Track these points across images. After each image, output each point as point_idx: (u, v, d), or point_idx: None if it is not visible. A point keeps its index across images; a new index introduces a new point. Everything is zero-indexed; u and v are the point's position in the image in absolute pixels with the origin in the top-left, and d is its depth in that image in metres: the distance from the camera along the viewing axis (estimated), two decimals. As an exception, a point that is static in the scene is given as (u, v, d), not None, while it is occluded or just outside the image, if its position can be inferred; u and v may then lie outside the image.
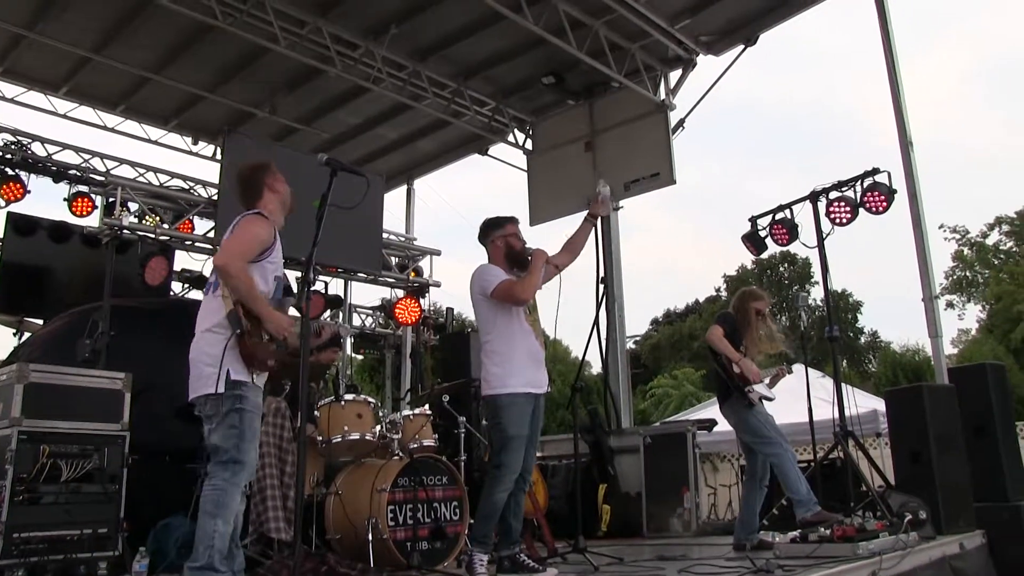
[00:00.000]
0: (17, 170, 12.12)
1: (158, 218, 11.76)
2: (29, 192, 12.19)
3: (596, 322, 7.69)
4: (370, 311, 16.67)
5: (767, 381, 8.28)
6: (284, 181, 5.89)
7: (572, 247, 7.17)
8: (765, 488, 8.34)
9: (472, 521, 7.59)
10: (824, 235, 9.93)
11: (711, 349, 8.40)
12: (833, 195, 10.09)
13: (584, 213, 7.21)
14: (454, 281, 14.47)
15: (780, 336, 8.85)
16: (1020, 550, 8.59)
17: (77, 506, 6.61)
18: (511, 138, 15.94)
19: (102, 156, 13.96)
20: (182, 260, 12.46)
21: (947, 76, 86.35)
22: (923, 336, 10.96)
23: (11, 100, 14.17)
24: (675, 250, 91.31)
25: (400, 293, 15.06)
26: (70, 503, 6.57)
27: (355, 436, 7.86)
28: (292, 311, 5.99)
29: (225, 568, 5.10)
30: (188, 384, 5.42)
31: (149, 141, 15.94)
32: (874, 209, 10.03)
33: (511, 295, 6.67)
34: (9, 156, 12.25)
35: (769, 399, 8.15)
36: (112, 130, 15.45)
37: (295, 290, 13.74)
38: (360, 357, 22.14)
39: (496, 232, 7.07)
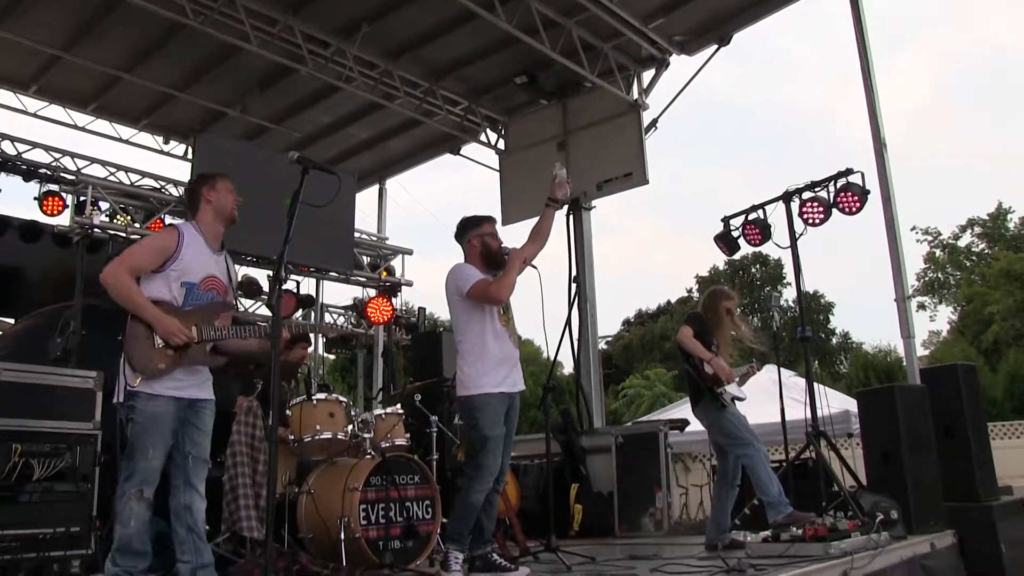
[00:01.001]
0: (-14, 169, 12.04)
1: (129, 217, 11.72)
2: (-1, 191, 12.12)
3: (568, 322, 7.70)
4: (342, 311, 16.65)
5: (737, 380, 8.29)
6: (227, 189, 5.98)
7: (537, 235, 7.11)
8: (737, 488, 8.36)
9: (445, 520, 7.59)
10: (797, 235, 9.96)
11: (682, 350, 8.41)
12: (806, 195, 10.11)
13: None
14: (426, 280, 14.45)
15: (749, 334, 8.88)
16: (990, 549, 8.63)
17: (50, 505, 6.57)
18: (483, 138, 15.95)
19: (73, 155, 13.90)
20: (154, 260, 12.38)
21: (920, 79, 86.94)
22: (894, 338, 11.05)
23: (-21, 99, 14.07)
24: (647, 250, 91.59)
25: (372, 292, 15.07)
26: (43, 502, 6.54)
27: (327, 435, 7.83)
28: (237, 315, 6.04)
29: (121, 563, 5.30)
30: None
31: (120, 140, 15.89)
32: (847, 210, 10.06)
33: (487, 295, 6.65)
34: (-22, 155, 12.18)
35: (741, 399, 8.16)
36: (83, 129, 15.38)
37: (265, 289, 13.77)
38: (332, 356, 22.14)
39: (473, 231, 7.04)
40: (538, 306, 7.16)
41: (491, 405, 6.56)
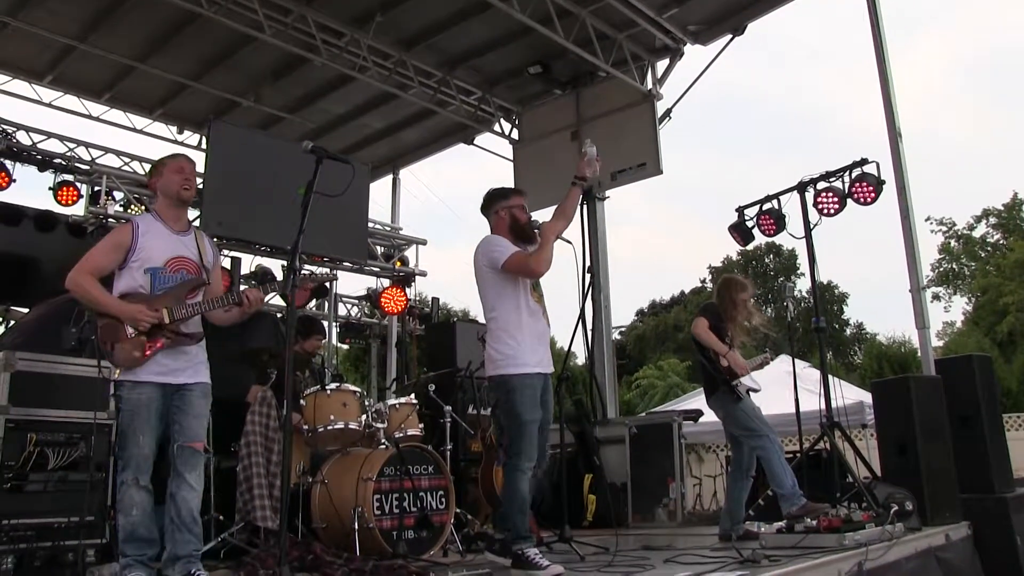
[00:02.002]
0: (2, 159, 12.06)
1: (143, 207, 11.72)
2: (14, 181, 12.13)
3: (582, 312, 7.64)
4: (356, 301, 16.68)
5: (752, 371, 8.28)
6: (172, 171, 6.06)
7: (563, 212, 6.79)
8: (751, 479, 8.34)
9: (459, 511, 7.58)
10: (812, 226, 9.92)
11: (696, 342, 8.37)
12: (821, 185, 10.07)
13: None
14: (440, 271, 14.46)
15: (763, 321, 8.85)
16: (1005, 541, 8.61)
17: (64, 494, 6.57)
18: (497, 128, 15.95)
19: (87, 145, 13.93)
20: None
21: (936, 68, 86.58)
22: (908, 328, 11.01)
23: (-5, 89, 14.11)
24: (661, 241, 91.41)
25: (386, 282, 15.08)
26: (58, 491, 6.55)
27: (341, 425, 7.85)
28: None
29: (130, 552, 5.36)
30: None
31: (134, 130, 15.93)
32: (862, 200, 10.03)
33: (526, 267, 6.42)
34: (-6, 145, 12.21)
35: (755, 390, 8.15)
36: (97, 119, 15.43)
37: (279, 278, 13.80)
38: (346, 347, 22.09)
39: (501, 203, 6.82)
40: (552, 296, 7.06)
41: (529, 387, 6.29)
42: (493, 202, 6.87)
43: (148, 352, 5.52)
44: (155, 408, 5.49)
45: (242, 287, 6.45)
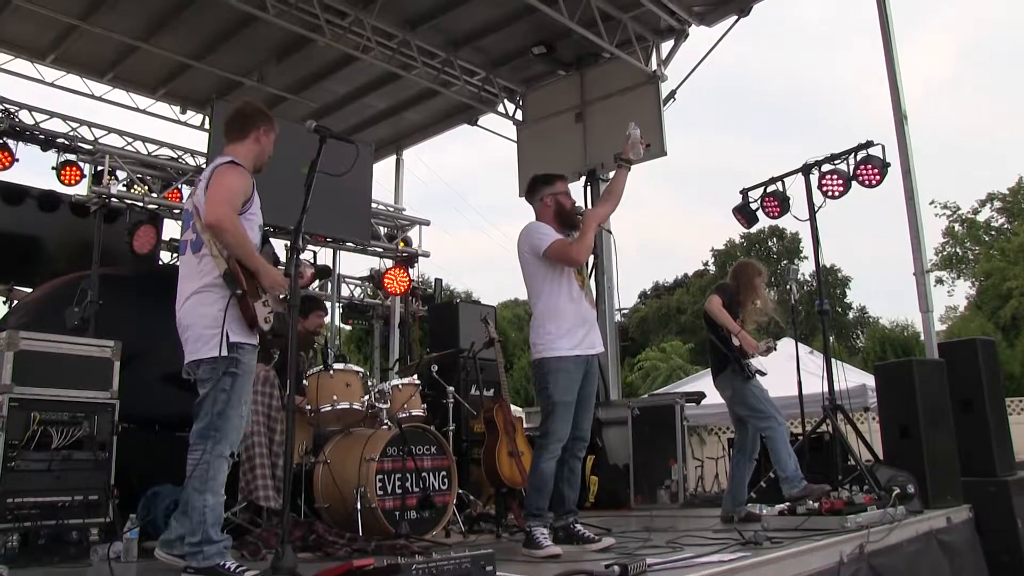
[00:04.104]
0: (5, 138, 12.02)
1: (146, 187, 11.71)
2: (17, 161, 12.10)
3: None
4: (359, 281, 16.67)
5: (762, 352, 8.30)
6: (272, 141, 5.77)
7: (611, 196, 6.95)
8: (754, 461, 8.37)
9: (461, 491, 7.58)
10: (816, 208, 9.89)
11: (708, 320, 8.38)
12: (826, 168, 10.05)
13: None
14: (443, 251, 14.46)
15: (774, 306, 8.87)
16: (1006, 524, 8.64)
17: (68, 473, 6.59)
18: (501, 108, 15.94)
19: (90, 125, 13.90)
20: (171, 229, 12.41)
21: (943, 51, 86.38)
22: (911, 312, 10.99)
23: (-2, 68, 14.09)
24: (664, 223, 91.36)
25: (389, 263, 15.05)
26: (61, 470, 6.56)
27: (344, 405, 7.87)
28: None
29: (221, 536, 5.07)
30: (182, 349, 5.35)
31: (137, 110, 15.94)
32: (867, 182, 10.01)
33: (566, 256, 6.47)
34: (-3, 125, 12.18)
35: (763, 373, 8.17)
36: (100, 99, 15.43)
37: (283, 259, 13.79)
38: (348, 327, 22.09)
39: (546, 189, 6.86)
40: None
41: (565, 371, 6.38)
42: (537, 188, 6.93)
43: (270, 316, 5.33)
44: None
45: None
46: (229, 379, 5.14)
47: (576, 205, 6.86)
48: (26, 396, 6.50)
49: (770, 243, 60.29)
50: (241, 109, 5.80)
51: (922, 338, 11.27)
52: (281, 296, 5.47)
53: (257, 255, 5.29)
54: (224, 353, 5.07)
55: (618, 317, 15.70)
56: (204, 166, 12.37)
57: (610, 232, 6.72)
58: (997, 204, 50.22)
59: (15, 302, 11.74)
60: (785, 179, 10.65)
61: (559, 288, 6.53)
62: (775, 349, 8.80)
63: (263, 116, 5.76)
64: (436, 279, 17.13)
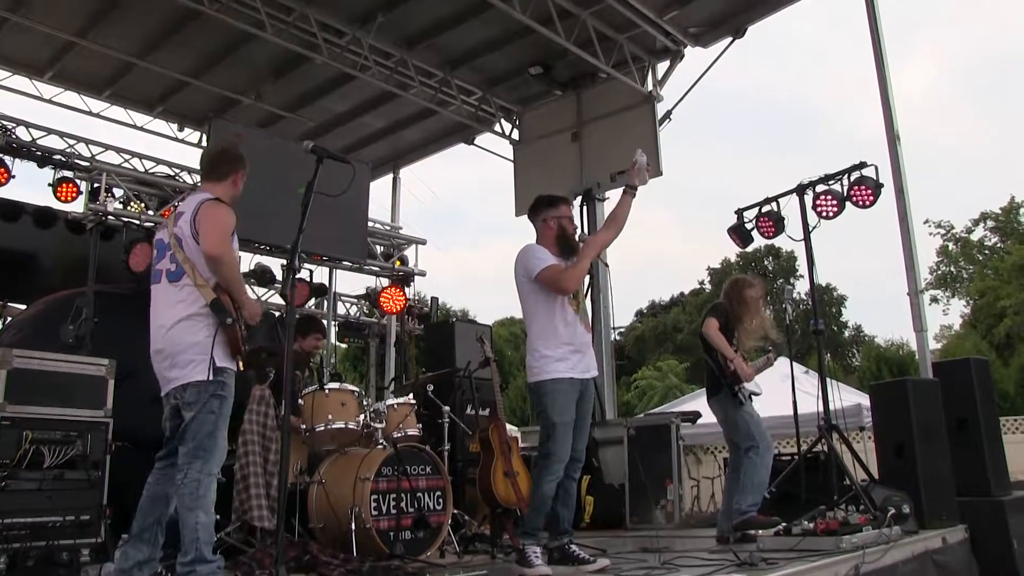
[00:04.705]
0: (1, 155, 12.03)
1: (143, 204, 11.72)
2: (13, 177, 12.11)
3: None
4: (355, 300, 16.67)
5: (753, 371, 8.30)
6: (243, 180, 5.93)
7: (614, 222, 6.94)
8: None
9: (456, 511, 7.56)
10: (810, 228, 9.91)
11: (704, 342, 8.39)
12: (820, 188, 10.06)
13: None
14: (439, 270, 14.47)
15: (771, 324, 8.85)
16: (1002, 545, 8.61)
17: (60, 492, 6.59)
18: (498, 128, 15.98)
19: (87, 141, 13.89)
20: (166, 247, 12.40)
21: (936, 71, 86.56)
22: (907, 331, 11.02)
23: (-5, 84, 14.11)
24: (660, 242, 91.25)
25: (385, 282, 15.07)
26: (53, 489, 6.56)
27: (339, 425, 7.86)
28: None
29: (214, 557, 5.14)
30: (160, 374, 5.46)
31: (134, 127, 15.94)
32: (861, 203, 10.02)
33: (557, 283, 6.46)
34: (-7, 141, 12.19)
35: (757, 394, 8.17)
36: (97, 115, 15.44)
37: (279, 277, 13.80)
38: (344, 346, 22.10)
39: (549, 211, 6.83)
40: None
41: (561, 391, 6.38)
42: (541, 209, 6.90)
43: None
44: None
45: None
46: (217, 402, 5.29)
47: (577, 231, 6.86)
48: (19, 415, 6.51)
49: (766, 262, 60.36)
50: (226, 151, 6.02)
51: (917, 357, 11.27)
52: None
53: (244, 287, 5.56)
54: (211, 377, 5.22)
55: (614, 336, 15.69)
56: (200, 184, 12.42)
57: (607, 265, 6.70)
58: (990, 223, 50.37)
59: (9, 319, 11.75)
60: (780, 199, 10.66)
61: (553, 311, 6.52)
62: (772, 363, 8.81)
63: (243, 162, 5.94)
64: (432, 298, 17.13)
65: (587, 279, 7.36)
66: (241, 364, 5.47)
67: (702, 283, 61.52)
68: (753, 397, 8.15)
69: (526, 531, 6.37)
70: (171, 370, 5.35)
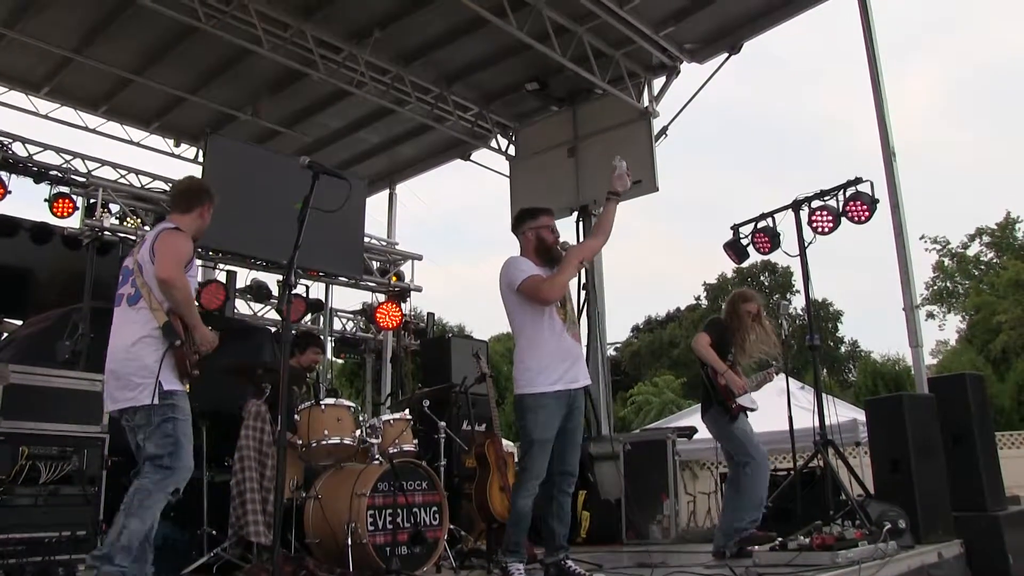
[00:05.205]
0: (-2, 170, 12.05)
1: (139, 220, 11.73)
2: (10, 192, 12.10)
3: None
4: (351, 315, 16.68)
5: (753, 388, 8.28)
6: (211, 215, 6.14)
7: (600, 230, 6.97)
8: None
9: (452, 527, 7.56)
10: (806, 244, 9.92)
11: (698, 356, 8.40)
12: (815, 204, 10.08)
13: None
14: (435, 286, 14.48)
15: (774, 338, 8.82)
16: (998, 559, 8.61)
17: (56, 508, 6.57)
18: (494, 143, 16.02)
19: (84, 157, 13.94)
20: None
21: (930, 87, 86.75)
22: (903, 346, 11.01)
23: (-9, 100, 14.13)
24: (656, 257, 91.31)
25: (381, 297, 15.08)
26: (49, 505, 6.54)
27: (335, 440, 7.83)
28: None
29: (124, 564, 5.14)
30: (109, 393, 5.61)
31: (131, 143, 16.00)
32: (856, 218, 10.05)
33: (538, 293, 6.39)
34: (-10, 156, 12.20)
35: (752, 409, 8.15)
36: (94, 131, 15.48)
37: (275, 293, 13.81)
38: (341, 361, 22.08)
39: (529, 223, 6.79)
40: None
41: (545, 407, 6.30)
42: (521, 222, 6.88)
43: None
44: None
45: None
46: (170, 424, 5.38)
47: (561, 241, 6.79)
48: (15, 430, 6.50)
49: (762, 277, 60.35)
50: (189, 186, 6.29)
51: (913, 372, 11.29)
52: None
53: (196, 312, 5.65)
54: (157, 401, 5.33)
55: (610, 351, 15.70)
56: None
57: (584, 266, 6.68)
58: (986, 239, 50.43)
59: (5, 334, 11.74)
60: (775, 215, 10.67)
61: (540, 322, 6.47)
62: (773, 378, 8.80)
63: (208, 195, 6.15)
64: (428, 313, 17.15)
65: (583, 294, 7.32)
66: (187, 387, 5.54)
67: (698, 299, 61.48)
68: (749, 412, 8.14)
69: (508, 548, 6.36)
70: (122, 391, 5.47)
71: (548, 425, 6.31)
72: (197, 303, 10.59)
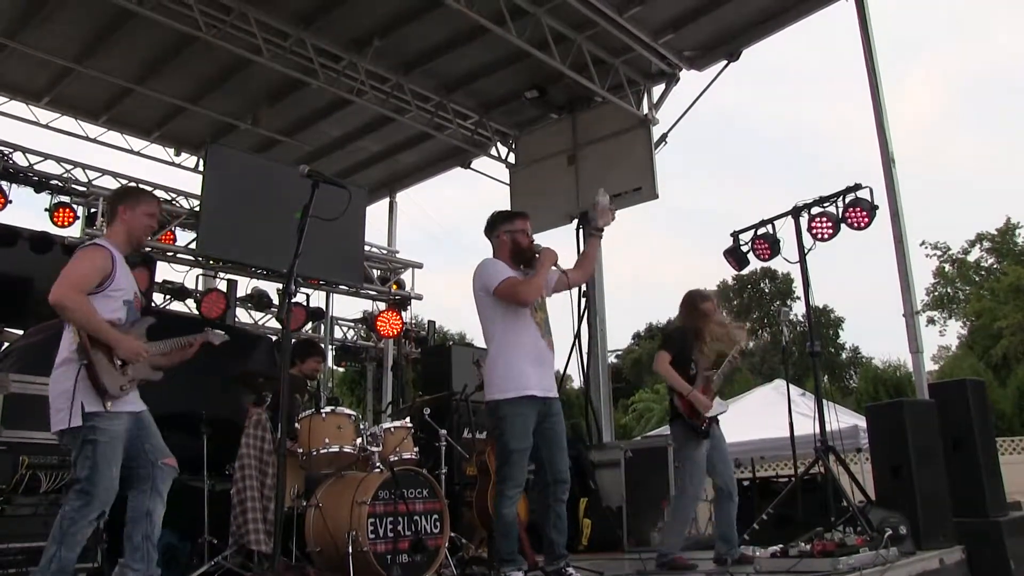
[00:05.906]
0: (-2, 180, 12.06)
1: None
2: (10, 202, 12.12)
3: (578, 336, 7.62)
4: (352, 323, 16.69)
5: (720, 384, 8.14)
6: (147, 213, 5.94)
7: (585, 263, 7.04)
8: (735, 501, 8.25)
9: (453, 534, 7.55)
10: (806, 250, 9.93)
11: None
12: (815, 210, 10.11)
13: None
14: (436, 294, 14.49)
15: (736, 329, 8.67)
16: (999, 565, 8.61)
17: (56, 518, 6.57)
18: (494, 151, 15.99)
19: (84, 166, 13.91)
20: (164, 271, 12.48)
21: (930, 93, 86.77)
22: (904, 352, 11.00)
23: (-8, 110, 14.13)
24: (657, 265, 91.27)
25: (382, 306, 15.10)
26: (49, 514, 6.53)
27: (335, 449, 7.82)
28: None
29: None
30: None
31: (131, 152, 15.96)
32: (856, 225, 10.07)
33: (514, 295, 6.35)
34: (-10, 166, 12.20)
35: (722, 412, 8.01)
36: (94, 140, 15.45)
37: (275, 302, 13.82)
38: (341, 369, 22.10)
39: (503, 226, 6.77)
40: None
41: (520, 414, 6.25)
42: (496, 225, 6.85)
43: (128, 385, 5.49)
44: (124, 439, 5.44)
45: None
46: (90, 447, 5.27)
47: (534, 244, 6.74)
48: (15, 440, 6.51)
49: (763, 284, 60.34)
50: (108, 197, 6.17)
51: (914, 379, 11.28)
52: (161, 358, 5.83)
53: (108, 329, 5.44)
54: (77, 424, 5.23)
55: (611, 359, 15.70)
56: (197, 208, 12.46)
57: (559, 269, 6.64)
58: (986, 244, 50.40)
59: (6, 344, 11.73)
60: (775, 222, 10.70)
61: (514, 327, 6.43)
62: (738, 364, 8.52)
63: (125, 195, 6.16)
64: (429, 321, 17.13)
65: (583, 301, 7.28)
66: (109, 405, 5.36)
67: (699, 306, 61.37)
68: (720, 416, 7.99)
69: (502, 559, 6.32)
70: (53, 415, 5.39)
71: (525, 434, 6.28)
72: (197, 312, 10.62)
